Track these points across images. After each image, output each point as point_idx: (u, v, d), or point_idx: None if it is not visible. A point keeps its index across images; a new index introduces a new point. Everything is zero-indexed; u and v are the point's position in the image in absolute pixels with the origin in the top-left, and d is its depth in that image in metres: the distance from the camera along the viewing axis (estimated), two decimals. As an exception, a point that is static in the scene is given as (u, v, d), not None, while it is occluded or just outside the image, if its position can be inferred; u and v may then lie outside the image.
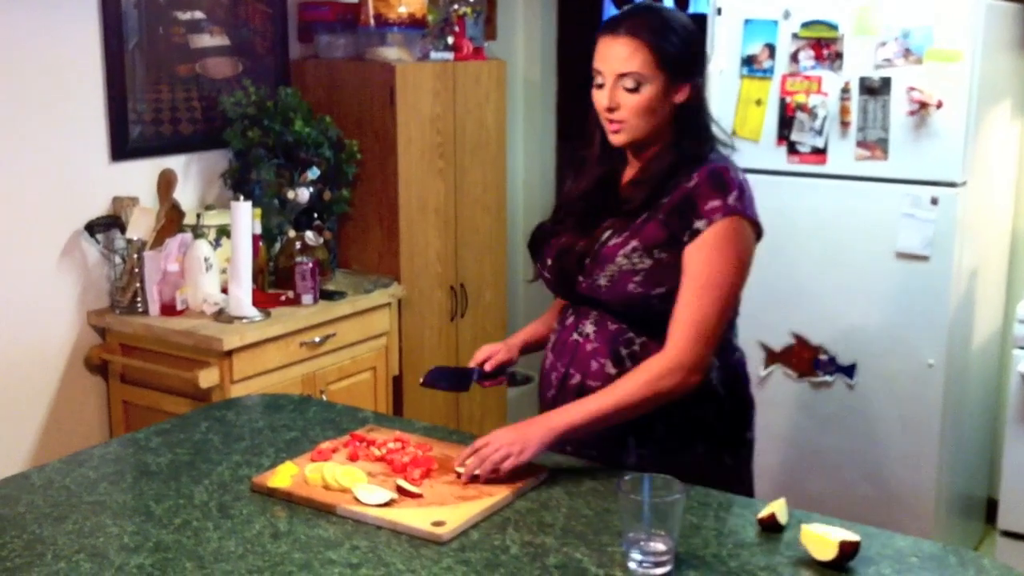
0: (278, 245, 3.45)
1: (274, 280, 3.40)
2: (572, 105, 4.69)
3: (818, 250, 3.40)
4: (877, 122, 3.25)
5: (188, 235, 3.17)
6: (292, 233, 3.43)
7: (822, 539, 1.60)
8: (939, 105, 3.15)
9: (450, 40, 3.85)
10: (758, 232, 1.99)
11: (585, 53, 2.07)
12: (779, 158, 3.41)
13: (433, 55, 3.78)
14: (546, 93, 4.79)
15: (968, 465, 3.61)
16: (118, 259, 3.18)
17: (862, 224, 3.32)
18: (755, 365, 3.52)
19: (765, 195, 3.41)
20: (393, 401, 3.62)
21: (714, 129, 2.05)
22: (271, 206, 3.43)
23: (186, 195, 3.40)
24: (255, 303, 3.11)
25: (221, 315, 3.08)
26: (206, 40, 3.47)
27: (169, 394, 3.08)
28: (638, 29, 1.95)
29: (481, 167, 3.98)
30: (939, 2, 3.13)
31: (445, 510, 1.73)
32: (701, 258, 1.91)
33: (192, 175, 3.47)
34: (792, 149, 3.39)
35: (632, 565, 1.56)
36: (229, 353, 2.97)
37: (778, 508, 1.71)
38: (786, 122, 3.38)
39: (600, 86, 1.99)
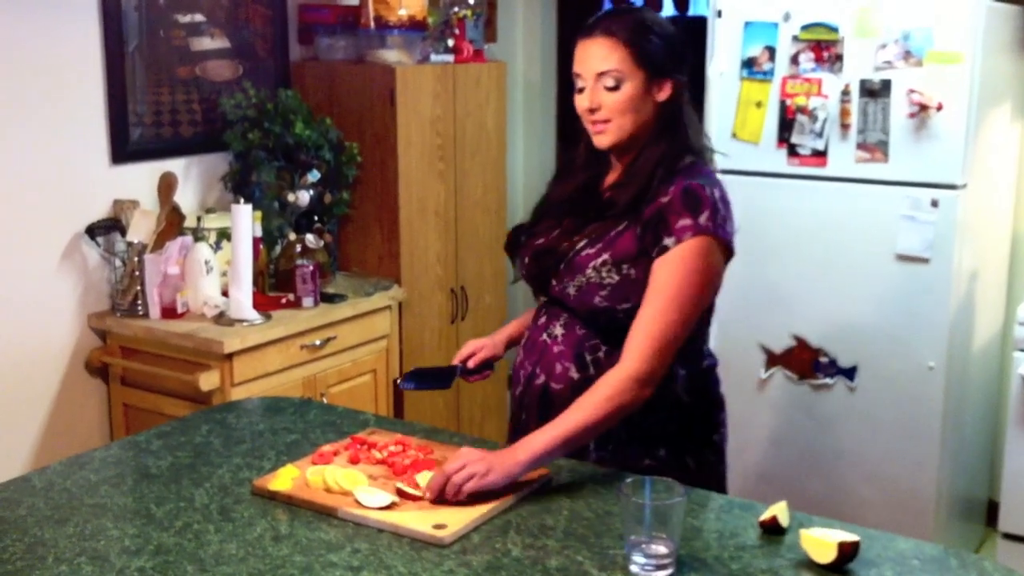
0: (278, 248, 3.45)
1: (274, 283, 3.40)
2: (572, 107, 4.68)
3: (818, 252, 3.40)
4: (877, 124, 3.25)
5: (188, 238, 3.17)
6: (292, 236, 3.43)
7: (821, 542, 1.59)
8: (939, 107, 3.15)
9: (450, 42, 3.85)
10: (729, 252, 1.98)
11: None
12: (779, 160, 3.41)
13: (433, 57, 3.78)
14: (546, 95, 4.79)
15: (969, 467, 3.61)
16: (119, 262, 3.18)
17: (862, 226, 3.32)
18: (755, 367, 3.53)
19: (765, 198, 3.46)
20: (394, 404, 3.62)
21: (695, 132, 2.04)
22: (271, 209, 3.43)
23: (186, 198, 3.40)
24: (255, 306, 3.11)
25: (222, 318, 3.09)
26: (206, 42, 3.47)
27: (169, 397, 3.08)
28: (613, 28, 1.97)
29: (481, 169, 3.98)
30: (939, 4, 3.13)
31: (446, 513, 1.73)
32: (665, 273, 1.91)
33: (192, 178, 3.47)
34: (792, 151, 3.39)
35: (634, 568, 1.56)
36: (230, 356, 2.97)
37: (779, 511, 1.71)
38: (786, 124, 3.38)
39: (581, 89, 2.01)
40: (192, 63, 3.43)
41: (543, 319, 2.10)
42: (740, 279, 3.30)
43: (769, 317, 3.47)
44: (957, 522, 3.56)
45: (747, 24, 3.41)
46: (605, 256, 1.97)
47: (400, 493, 1.80)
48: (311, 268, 3.27)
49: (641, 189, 1.97)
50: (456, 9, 3.84)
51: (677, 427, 2.03)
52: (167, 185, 3.21)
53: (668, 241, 1.92)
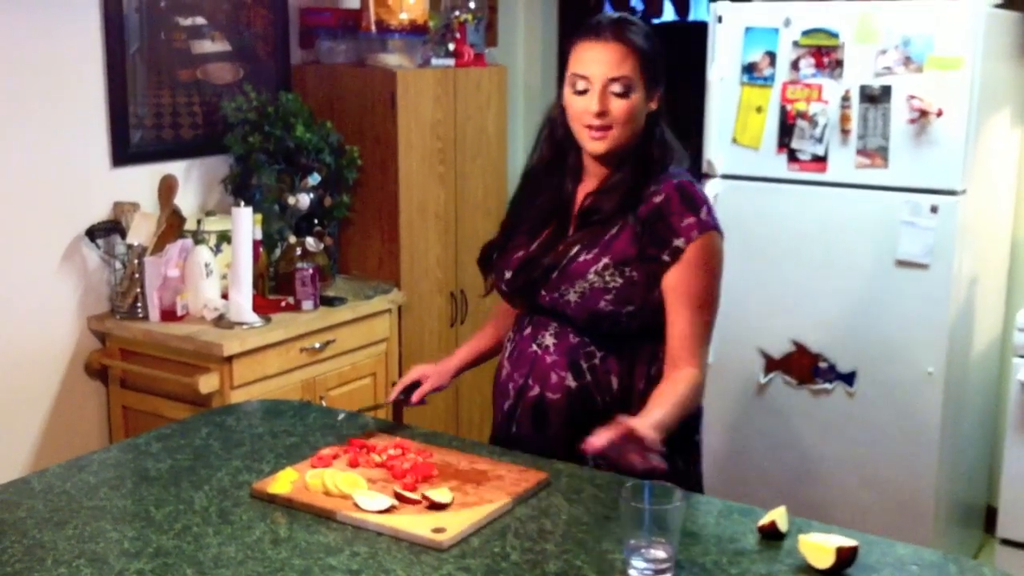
0: (278, 251, 3.45)
1: (274, 286, 3.40)
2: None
3: (818, 258, 3.40)
4: (877, 130, 3.25)
5: (189, 240, 3.18)
6: (293, 239, 3.43)
7: (819, 547, 1.60)
8: (939, 113, 3.15)
9: (451, 46, 3.85)
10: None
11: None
12: (779, 166, 3.41)
13: (434, 61, 3.79)
14: (546, 99, 4.76)
15: (968, 473, 3.61)
16: (119, 264, 3.18)
17: (862, 232, 3.32)
18: (755, 372, 3.53)
19: (765, 203, 3.47)
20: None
21: (670, 138, 2.06)
22: (272, 211, 3.44)
23: (187, 200, 3.40)
24: (255, 309, 3.11)
25: (221, 321, 3.09)
26: (207, 45, 3.47)
27: (169, 399, 3.08)
28: (626, 34, 1.96)
29: (482, 173, 3.98)
30: (939, 10, 3.14)
31: (445, 517, 1.73)
32: (689, 276, 1.95)
33: (193, 180, 3.47)
34: (792, 157, 3.39)
35: (633, 572, 1.57)
36: (229, 359, 2.97)
37: (778, 516, 1.71)
38: (786, 130, 3.38)
39: (582, 92, 1.97)
40: (193, 66, 3.44)
41: (528, 330, 2.08)
42: (740, 284, 3.30)
43: (768, 322, 3.48)
44: (956, 528, 3.56)
45: (747, 30, 3.41)
46: (605, 260, 1.97)
47: (399, 497, 1.80)
48: (311, 271, 3.27)
49: (629, 194, 1.98)
50: (457, 13, 3.85)
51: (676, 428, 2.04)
52: (167, 187, 3.22)
53: (678, 242, 1.93)
